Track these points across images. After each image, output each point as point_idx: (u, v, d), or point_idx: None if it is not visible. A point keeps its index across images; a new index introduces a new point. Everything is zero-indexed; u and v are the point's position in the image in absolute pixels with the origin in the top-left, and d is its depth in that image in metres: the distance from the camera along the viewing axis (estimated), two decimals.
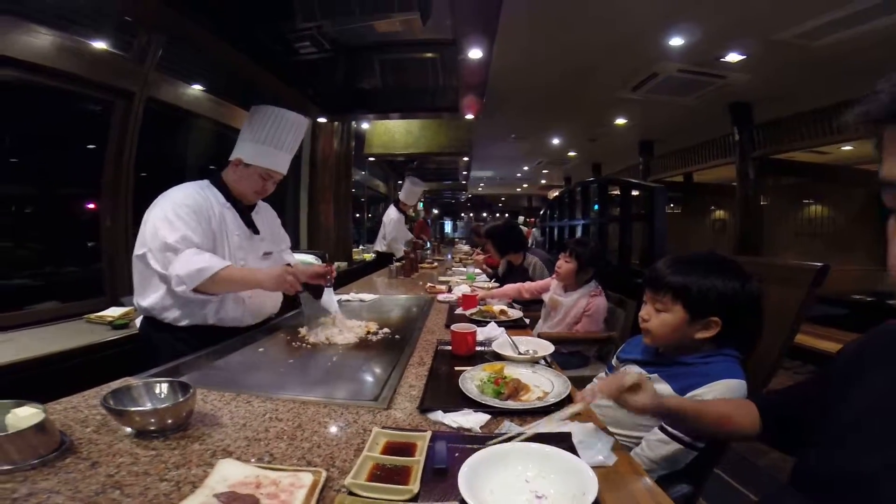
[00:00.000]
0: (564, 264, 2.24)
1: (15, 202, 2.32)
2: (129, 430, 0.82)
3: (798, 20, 3.52)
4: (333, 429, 0.89)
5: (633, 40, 4.06)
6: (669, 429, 1.01)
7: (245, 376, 1.21)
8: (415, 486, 0.65)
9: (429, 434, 0.80)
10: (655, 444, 1.03)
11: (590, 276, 2.25)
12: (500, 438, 0.80)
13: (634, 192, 4.69)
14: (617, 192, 5.42)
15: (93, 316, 2.11)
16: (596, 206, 5.60)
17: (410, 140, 5.56)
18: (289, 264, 1.64)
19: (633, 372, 0.84)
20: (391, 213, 4.88)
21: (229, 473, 0.68)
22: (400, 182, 8.68)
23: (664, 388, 1.06)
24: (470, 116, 3.83)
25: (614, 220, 4.97)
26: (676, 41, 4.04)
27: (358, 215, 8.38)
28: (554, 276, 2.36)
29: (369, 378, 1.22)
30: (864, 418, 0.61)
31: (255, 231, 1.64)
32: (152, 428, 0.82)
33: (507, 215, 20.55)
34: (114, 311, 2.11)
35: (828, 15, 3.36)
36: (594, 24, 3.81)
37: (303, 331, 1.59)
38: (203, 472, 0.70)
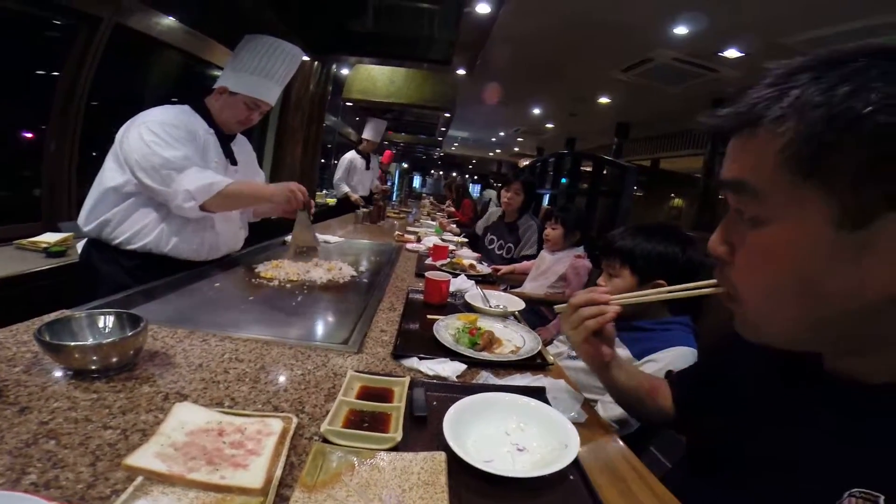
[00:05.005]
0: (552, 231, 2.37)
1: None
2: (66, 369, 0.72)
3: (811, 27, 3.50)
4: (301, 372, 0.82)
5: (637, 23, 3.93)
6: None
7: (200, 313, 1.11)
8: (397, 434, 0.61)
9: (407, 380, 0.76)
10: (611, 405, 1.06)
11: (577, 239, 2.37)
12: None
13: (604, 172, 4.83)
14: (586, 168, 5.50)
15: (25, 241, 1.89)
16: (563, 180, 5.69)
17: (393, 89, 5.27)
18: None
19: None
20: (346, 157, 4.71)
21: (188, 419, 0.60)
22: None
23: (623, 352, 1.11)
24: (462, 72, 3.66)
25: (582, 194, 5.09)
26: (680, 30, 3.97)
27: (324, 160, 8.10)
28: (545, 245, 2.46)
29: (337, 320, 1.16)
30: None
31: (233, 162, 1.57)
32: (94, 367, 0.71)
33: (475, 177, 20.61)
34: (49, 237, 1.90)
35: (840, 26, 3.36)
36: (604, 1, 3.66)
37: (260, 268, 1.51)
38: (154, 417, 0.63)
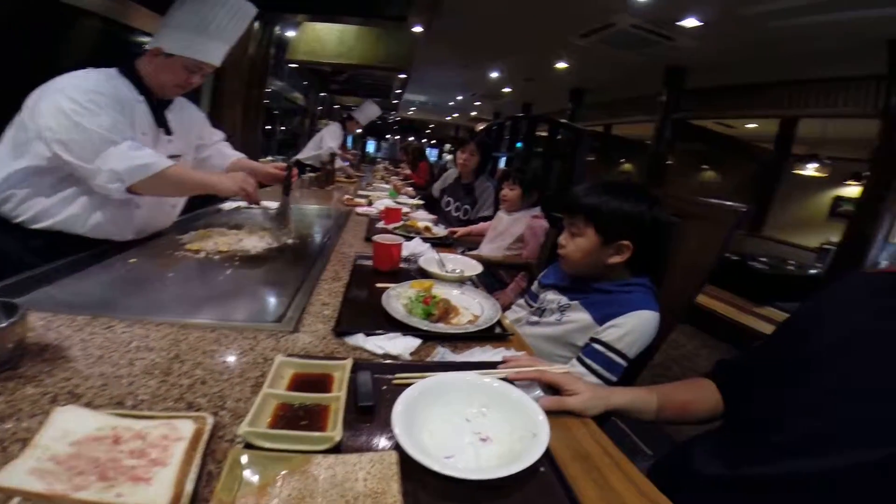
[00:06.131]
0: (510, 192, 2.31)
1: None
2: None
3: None
4: (222, 359, 0.70)
5: None
6: (587, 360, 1.01)
7: (107, 295, 0.95)
8: (335, 433, 0.51)
9: (349, 363, 0.66)
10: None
11: (535, 200, 2.32)
12: None
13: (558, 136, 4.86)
14: (542, 132, 5.49)
15: None
16: (519, 144, 5.68)
17: (343, 49, 4.94)
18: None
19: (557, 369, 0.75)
20: (335, 129, 4.65)
21: (73, 426, 0.49)
22: (323, 95, 8.06)
23: (584, 316, 1.07)
24: (418, 29, 3.41)
25: (538, 157, 5.10)
26: None
27: (269, 127, 7.66)
28: (502, 205, 2.41)
29: (272, 295, 1.03)
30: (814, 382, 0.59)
31: (167, 131, 1.37)
32: None
33: (433, 141, 20.21)
34: None
35: (797, 0, 3.38)
36: None
37: (185, 238, 1.34)
38: (38, 424, 0.51)
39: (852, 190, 6.59)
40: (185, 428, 0.51)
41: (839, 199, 7.12)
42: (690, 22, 4.30)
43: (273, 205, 1.64)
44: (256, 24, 3.80)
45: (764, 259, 5.20)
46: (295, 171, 1.59)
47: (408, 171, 5.43)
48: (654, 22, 4.47)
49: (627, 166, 11.22)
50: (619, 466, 0.56)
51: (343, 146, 5.34)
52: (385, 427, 0.54)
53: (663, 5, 4.02)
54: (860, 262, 3.74)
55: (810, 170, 5.94)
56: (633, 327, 1.00)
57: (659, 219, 1.07)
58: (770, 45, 4.36)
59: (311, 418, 0.54)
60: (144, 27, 2.75)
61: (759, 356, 0.77)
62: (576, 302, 1.11)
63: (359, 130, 5.11)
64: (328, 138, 4.53)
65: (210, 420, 0.53)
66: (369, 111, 4.85)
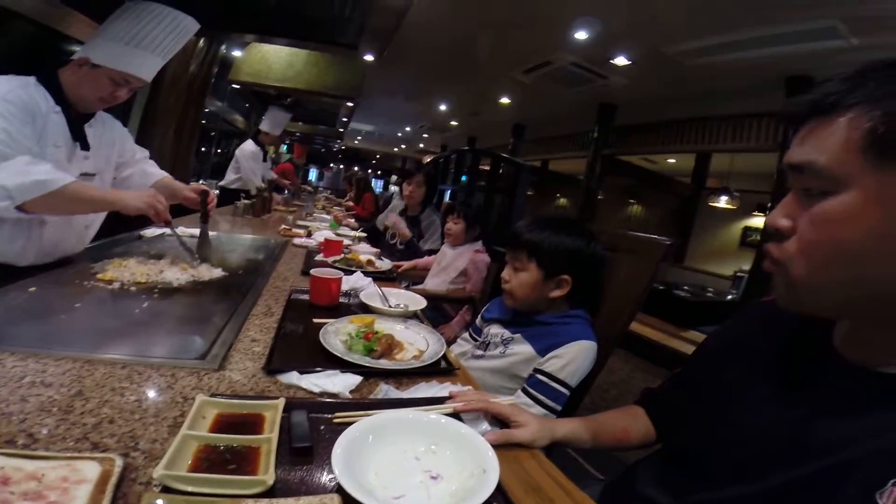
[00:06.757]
0: (454, 226, 2.34)
1: None
2: None
3: (690, 37, 3.85)
4: (134, 397, 0.62)
5: (543, 23, 4.05)
6: (532, 390, 1.02)
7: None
8: (268, 476, 0.46)
9: (281, 402, 0.61)
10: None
11: (477, 234, 2.37)
12: None
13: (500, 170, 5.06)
14: (485, 166, 5.71)
15: None
16: (464, 178, 5.85)
17: (290, 73, 4.80)
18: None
19: (505, 402, 0.75)
20: (246, 147, 4.29)
21: None
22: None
23: (526, 348, 1.09)
24: (369, 58, 3.42)
25: (481, 191, 5.26)
26: (581, 34, 4.15)
27: (204, 148, 7.34)
28: (446, 239, 2.43)
29: (194, 331, 0.94)
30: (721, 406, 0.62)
31: (85, 146, 1.27)
32: None
33: (378, 172, 20.13)
34: None
35: (714, 38, 3.74)
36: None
37: (97, 267, 1.20)
38: None
39: (759, 221, 7.15)
40: (89, 470, 0.45)
41: (748, 230, 7.69)
42: (621, 60, 4.63)
43: (190, 231, 1.53)
44: (201, 42, 3.67)
45: (686, 287, 5.60)
46: (212, 196, 1.51)
47: (350, 203, 5.33)
48: (590, 60, 4.78)
49: (563, 200, 11.83)
50: (571, 497, 0.55)
51: (291, 173, 5.07)
52: (325, 469, 0.51)
53: (597, 44, 4.32)
54: (769, 289, 4.13)
55: (722, 202, 6.36)
56: (573, 357, 1.03)
57: (596, 253, 1.13)
58: (687, 84, 4.77)
59: (239, 461, 0.49)
60: (83, 37, 2.56)
61: (679, 386, 0.80)
62: (518, 335, 1.13)
63: (299, 156, 4.89)
64: (243, 160, 4.19)
65: (119, 461, 0.46)
66: (278, 118, 4.50)
